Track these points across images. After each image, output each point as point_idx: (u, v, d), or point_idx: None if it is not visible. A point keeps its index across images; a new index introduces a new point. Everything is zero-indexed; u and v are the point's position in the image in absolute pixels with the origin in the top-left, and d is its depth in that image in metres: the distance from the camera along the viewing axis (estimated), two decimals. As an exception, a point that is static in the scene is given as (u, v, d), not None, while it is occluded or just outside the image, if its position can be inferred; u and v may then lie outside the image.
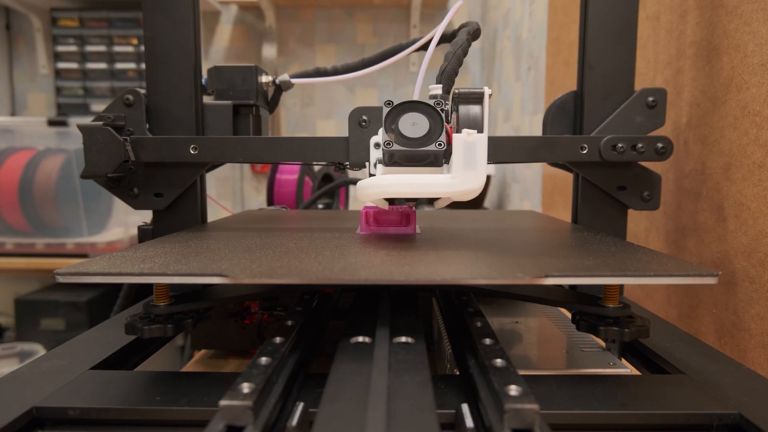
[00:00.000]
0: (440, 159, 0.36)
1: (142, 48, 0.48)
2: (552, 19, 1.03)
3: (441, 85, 0.41)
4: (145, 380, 0.30)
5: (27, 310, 1.42)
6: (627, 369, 0.35)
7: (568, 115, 0.50)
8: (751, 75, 0.43)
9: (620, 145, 0.45)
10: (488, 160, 0.46)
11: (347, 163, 0.46)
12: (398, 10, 1.88)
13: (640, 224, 0.63)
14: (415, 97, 0.38)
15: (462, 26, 0.47)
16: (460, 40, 0.44)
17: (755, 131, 0.42)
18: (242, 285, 0.38)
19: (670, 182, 0.56)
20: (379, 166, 0.38)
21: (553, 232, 0.46)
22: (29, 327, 1.42)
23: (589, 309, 0.34)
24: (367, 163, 0.44)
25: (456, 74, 0.43)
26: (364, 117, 0.44)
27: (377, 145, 0.41)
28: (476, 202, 1.47)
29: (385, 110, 0.36)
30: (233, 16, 1.90)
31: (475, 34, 0.46)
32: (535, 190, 1.14)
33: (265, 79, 0.52)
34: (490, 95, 0.37)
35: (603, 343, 0.40)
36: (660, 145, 0.45)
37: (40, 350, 1.37)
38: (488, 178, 1.40)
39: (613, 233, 0.48)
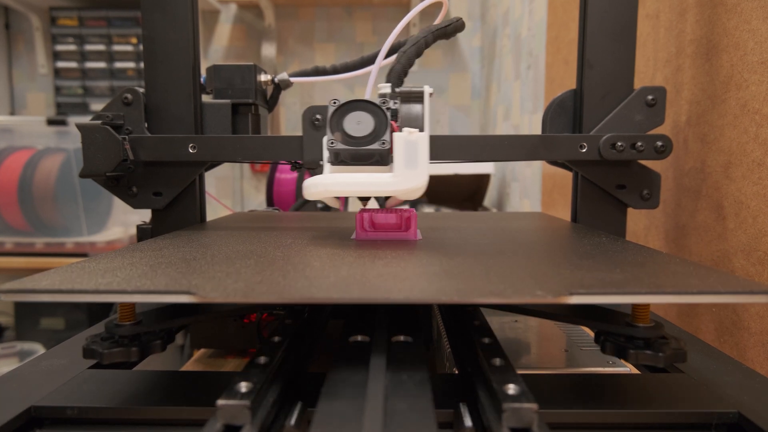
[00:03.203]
0: (385, 158, 0.36)
1: (142, 47, 0.48)
2: (551, 17, 1.03)
3: (390, 84, 0.41)
4: (144, 379, 0.30)
5: (27, 310, 1.42)
6: (626, 368, 0.35)
7: (568, 113, 0.50)
8: (750, 73, 0.43)
9: (620, 143, 0.45)
10: (488, 159, 0.46)
11: (301, 162, 0.46)
12: (397, 9, 1.87)
13: (639, 223, 0.63)
14: (367, 97, 0.38)
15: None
16: (416, 38, 0.44)
17: (755, 129, 0.42)
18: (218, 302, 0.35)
19: (669, 181, 0.56)
20: (327, 165, 0.38)
21: (566, 237, 0.43)
22: (29, 326, 1.42)
23: (615, 328, 0.30)
24: (321, 162, 0.44)
25: (405, 73, 0.43)
26: (318, 116, 0.44)
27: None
28: (476, 201, 1.47)
29: (331, 109, 0.36)
30: (232, 15, 1.90)
31: (440, 32, 0.45)
32: (535, 188, 1.14)
33: (263, 77, 0.52)
34: (431, 94, 0.37)
35: (635, 370, 0.36)
36: (659, 143, 0.45)
37: (39, 349, 1.37)
38: (488, 176, 1.40)
39: (612, 232, 0.48)
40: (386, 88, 0.40)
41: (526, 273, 0.28)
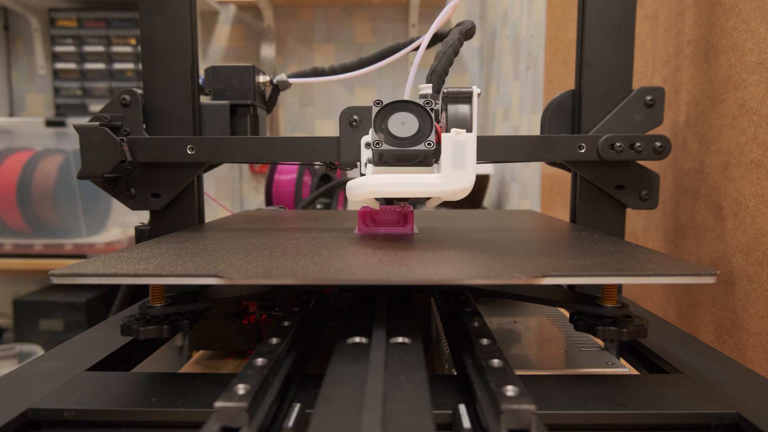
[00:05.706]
0: (430, 158, 0.36)
1: (140, 48, 0.48)
2: (550, 17, 1.03)
3: (431, 85, 0.41)
4: (141, 381, 0.30)
5: (26, 311, 1.42)
6: (625, 369, 0.35)
7: (566, 114, 0.50)
8: (749, 73, 0.43)
9: (618, 144, 0.45)
10: (487, 160, 0.46)
11: (337, 162, 0.46)
12: (397, 10, 1.87)
13: (638, 223, 0.63)
14: (406, 97, 0.38)
15: (457, 25, 0.47)
16: (451, 39, 0.44)
17: (753, 130, 0.42)
18: (238, 286, 0.38)
19: (668, 181, 0.56)
20: (369, 166, 0.38)
21: (551, 231, 0.46)
22: (28, 328, 1.42)
23: (586, 309, 0.34)
24: (358, 163, 0.44)
25: (446, 73, 0.43)
26: (355, 117, 0.44)
27: (368, 145, 0.41)
28: (475, 202, 1.47)
29: (375, 110, 0.36)
30: (231, 16, 1.90)
31: (467, 33, 0.46)
32: (534, 189, 1.13)
33: (262, 78, 0.52)
34: (479, 95, 0.37)
35: (602, 343, 0.40)
36: (658, 143, 0.45)
37: (38, 351, 1.37)
38: (487, 177, 1.40)
39: (611, 232, 0.48)
40: (427, 88, 0.40)
41: (509, 260, 0.31)
